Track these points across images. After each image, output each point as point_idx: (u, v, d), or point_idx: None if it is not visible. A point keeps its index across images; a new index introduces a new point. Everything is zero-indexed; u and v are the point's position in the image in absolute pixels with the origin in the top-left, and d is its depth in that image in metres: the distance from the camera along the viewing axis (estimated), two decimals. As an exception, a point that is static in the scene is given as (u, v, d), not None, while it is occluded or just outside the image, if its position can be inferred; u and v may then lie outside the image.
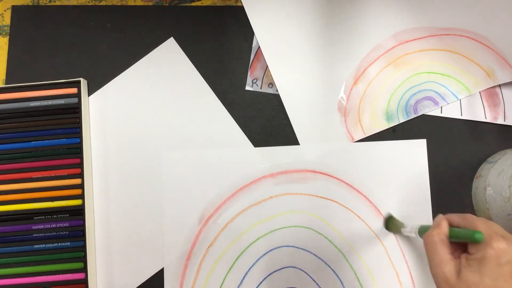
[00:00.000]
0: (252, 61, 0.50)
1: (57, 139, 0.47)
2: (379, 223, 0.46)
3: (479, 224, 0.30)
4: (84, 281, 0.44)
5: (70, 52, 0.49)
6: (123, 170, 0.47)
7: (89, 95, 0.49)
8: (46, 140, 0.47)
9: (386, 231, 0.46)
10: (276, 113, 0.49)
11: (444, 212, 0.47)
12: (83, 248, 0.45)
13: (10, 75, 0.49)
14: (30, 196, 0.46)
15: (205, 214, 0.46)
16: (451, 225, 0.33)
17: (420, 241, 0.45)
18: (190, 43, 0.50)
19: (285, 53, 0.49)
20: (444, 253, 0.30)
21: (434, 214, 0.47)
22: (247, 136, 0.48)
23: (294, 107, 0.48)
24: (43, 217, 0.46)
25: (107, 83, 0.49)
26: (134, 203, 0.47)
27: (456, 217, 0.33)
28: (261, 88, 0.49)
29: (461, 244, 0.32)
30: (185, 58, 0.49)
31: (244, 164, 0.47)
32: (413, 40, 0.50)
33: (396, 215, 0.46)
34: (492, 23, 0.50)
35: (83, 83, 0.48)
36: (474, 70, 0.49)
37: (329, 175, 0.47)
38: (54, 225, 0.45)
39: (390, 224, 0.45)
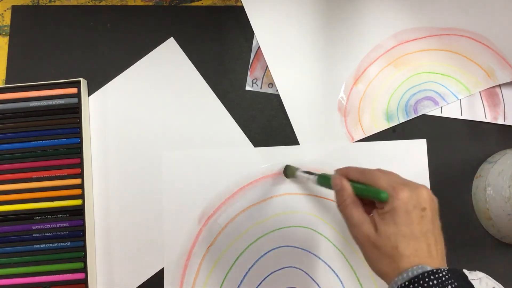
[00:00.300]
0: (252, 61, 0.50)
1: (57, 139, 0.47)
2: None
3: (380, 178, 0.31)
4: (84, 281, 0.44)
5: (70, 52, 0.49)
6: (123, 170, 0.47)
7: (89, 95, 0.49)
8: (46, 140, 0.47)
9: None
10: (276, 113, 0.49)
11: (443, 213, 0.47)
12: (83, 248, 0.45)
13: (10, 75, 0.49)
14: (30, 196, 0.46)
15: (205, 214, 0.46)
16: (352, 181, 0.34)
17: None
18: (190, 43, 0.50)
19: (285, 53, 0.49)
20: (359, 213, 0.32)
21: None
22: (247, 136, 0.48)
23: (294, 107, 0.48)
24: (43, 217, 0.46)
25: (107, 83, 0.49)
26: (134, 203, 0.47)
27: (355, 172, 0.34)
28: (261, 88, 0.49)
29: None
30: (185, 58, 0.49)
31: (244, 164, 0.47)
32: (413, 40, 0.50)
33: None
34: (492, 23, 0.50)
35: (83, 83, 0.48)
36: (474, 70, 0.49)
37: (329, 175, 0.47)
38: (54, 225, 0.45)
39: (288, 171, 0.45)
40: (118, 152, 0.48)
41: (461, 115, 0.49)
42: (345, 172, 0.35)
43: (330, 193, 0.47)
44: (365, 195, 0.32)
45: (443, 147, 0.48)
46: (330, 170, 0.36)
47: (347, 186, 0.33)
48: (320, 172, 0.39)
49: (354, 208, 0.32)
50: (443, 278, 0.27)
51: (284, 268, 0.46)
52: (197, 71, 0.49)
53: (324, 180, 0.37)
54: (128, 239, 0.46)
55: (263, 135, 0.48)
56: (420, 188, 0.31)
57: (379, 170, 0.34)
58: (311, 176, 0.40)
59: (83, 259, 0.45)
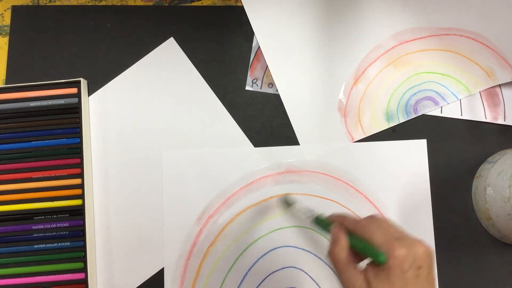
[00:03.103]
0: (252, 61, 0.50)
1: (57, 139, 0.47)
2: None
3: (374, 233, 0.31)
4: (84, 281, 0.44)
5: (70, 52, 0.49)
6: (123, 170, 0.47)
7: (89, 95, 0.49)
8: (46, 140, 0.47)
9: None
10: (276, 113, 0.49)
11: (443, 213, 0.47)
12: (83, 248, 0.45)
13: (10, 75, 0.49)
14: (30, 196, 0.46)
15: (205, 214, 0.46)
16: (349, 231, 0.33)
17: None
18: (190, 43, 0.50)
19: (285, 53, 0.49)
20: (351, 269, 0.31)
21: (435, 214, 0.47)
22: (247, 136, 0.48)
23: (294, 107, 0.48)
24: (43, 217, 0.46)
25: (107, 83, 0.49)
26: (134, 203, 0.47)
27: (350, 222, 0.34)
28: (261, 88, 0.49)
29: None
30: (185, 58, 0.49)
31: (244, 164, 0.47)
32: (413, 40, 0.50)
33: (396, 215, 0.46)
34: (492, 23, 0.50)
35: (83, 83, 0.48)
36: (474, 70, 0.49)
37: (329, 175, 0.47)
38: (54, 225, 0.45)
39: (284, 205, 0.45)
40: (118, 152, 0.48)
41: (461, 115, 0.49)
42: (341, 219, 0.35)
43: (329, 193, 0.47)
44: (363, 253, 0.31)
45: (443, 147, 0.48)
46: (326, 211, 0.36)
47: (344, 240, 0.32)
48: (316, 212, 0.40)
49: (346, 263, 0.32)
50: None
51: (284, 268, 0.46)
52: (197, 71, 0.49)
53: (321, 223, 0.38)
54: (128, 239, 0.46)
55: (263, 135, 0.48)
56: (417, 245, 0.30)
57: (372, 219, 0.33)
58: (308, 216, 0.40)
59: (83, 259, 0.45)
